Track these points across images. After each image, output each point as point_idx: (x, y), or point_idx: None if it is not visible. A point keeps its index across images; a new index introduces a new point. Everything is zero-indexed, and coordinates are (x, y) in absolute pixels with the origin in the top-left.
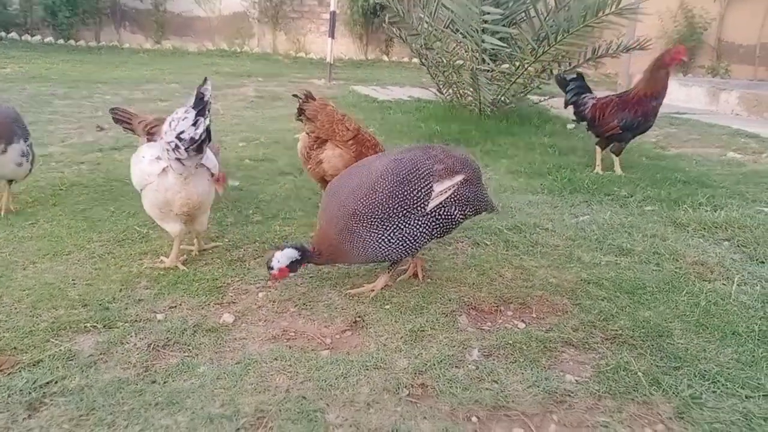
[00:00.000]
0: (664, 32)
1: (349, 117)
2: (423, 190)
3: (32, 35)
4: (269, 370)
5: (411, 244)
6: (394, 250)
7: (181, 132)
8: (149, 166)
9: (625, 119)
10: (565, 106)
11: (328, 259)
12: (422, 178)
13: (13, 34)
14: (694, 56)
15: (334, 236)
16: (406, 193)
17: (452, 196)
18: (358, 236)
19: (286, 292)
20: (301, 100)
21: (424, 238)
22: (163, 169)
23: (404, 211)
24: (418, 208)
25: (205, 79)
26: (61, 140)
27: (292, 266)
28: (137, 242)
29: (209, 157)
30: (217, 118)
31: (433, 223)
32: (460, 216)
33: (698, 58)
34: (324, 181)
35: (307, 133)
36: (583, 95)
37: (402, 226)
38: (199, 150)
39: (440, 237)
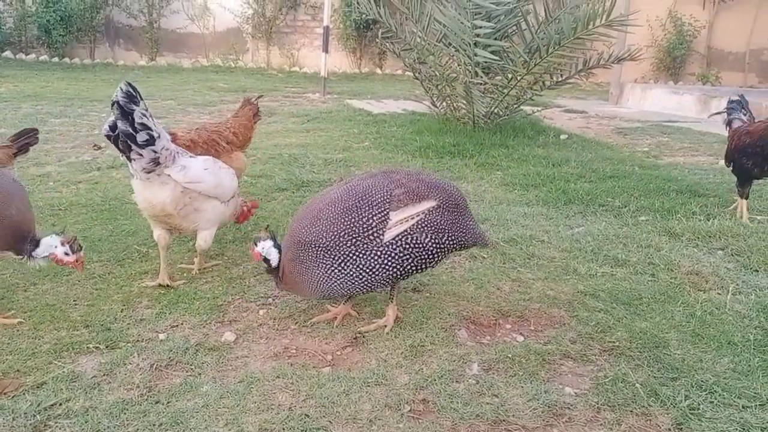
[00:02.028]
0: (654, 40)
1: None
2: (375, 218)
3: (27, 54)
4: (272, 388)
5: (371, 276)
6: (351, 283)
7: None
8: None
9: (728, 147)
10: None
11: (288, 288)
12: (375, 206)
13: (8, 53)
14: (684, 64)
15: (288, 266)
16: (352, 221)
17: (420, 223)
18: (306, 267)
19: (287, 309)
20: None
21: (388, 270)
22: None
23: (352, 240)
24: (371, 238)
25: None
26: (58, 159)
27: (266, 261)
28: (137, 261)
29: (189, 173)
30: None
31: (400, 253)
32: (434, 246)
33: (688, 66)
34: None
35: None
36: (732, 115)
37: (354, 257)
38: (123, 148)
39: (419, 269)
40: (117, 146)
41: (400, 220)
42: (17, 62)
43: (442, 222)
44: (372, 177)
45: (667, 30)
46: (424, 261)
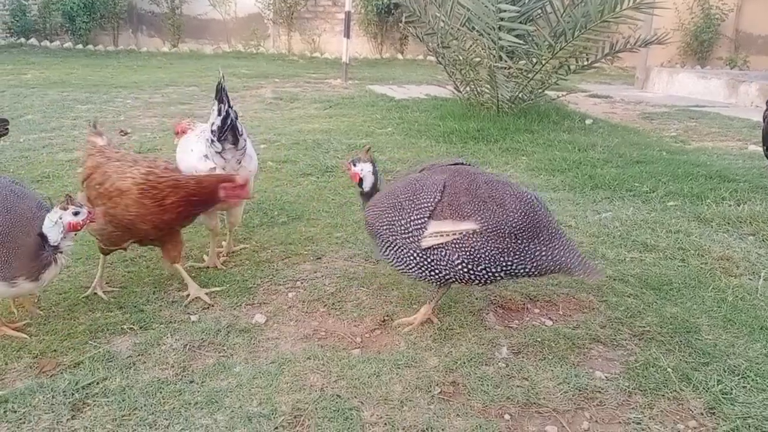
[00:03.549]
0: (681, 24)
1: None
2: (413, 223)
3: (51, 41)
4: (303, 369)
5: (408, 271)
6: (394, 266)
7: (212, 124)
8: (198, 163)
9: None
10: None
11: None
12: (417, 210)
13: (33, 40)
14: (711, 47)
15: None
16: (396, 218)
17: (455, 243)
18: (374, 237)
19: (315, 293)
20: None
21: (423, 273)
22: (210, 168)
23: (393, 236)
24: (409, 240)
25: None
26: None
27: (361, 182)
28: None
29: (252, 161)
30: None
31: (434, 264)
32: (465, 271)
33: (716, 50)
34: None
35: None
36: None
37: (395, 248)
38: (233, 140)
39: (460, 282)
40: (226, 136)
41: (437, 233)
42: (42, 49)
43: (480, 249)
44: (438, 174)
45: (695, 13)
46: (461, 279)
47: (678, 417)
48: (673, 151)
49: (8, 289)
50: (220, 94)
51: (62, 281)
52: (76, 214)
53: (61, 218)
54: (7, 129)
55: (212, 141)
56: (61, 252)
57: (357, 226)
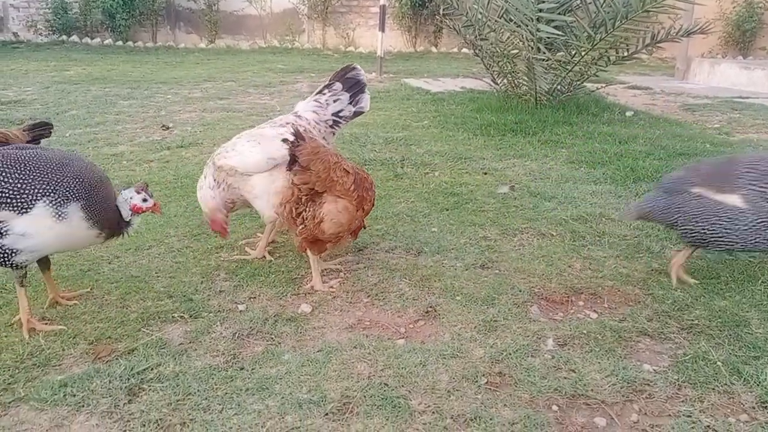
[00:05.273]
0: (722, 13)
1: (340, 155)
2: None
3: (92, 38)
4: (350, 358)
5: None
6: None
7: (339, 111)
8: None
9: None
10: None
11: None
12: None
13: (74, 37)
14: (754, 37)
15: None
16: None
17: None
18: None
19: (359, 283)
20: (290, 145)
21: None
22: None
23: None
24: None
25: (352, 66)
26: (129, 140)
27: None
28: (212, 236)
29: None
30: (275, 115)
31: None
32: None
33: (758, 40)
34: (318, 243)
35: (295, 185)
36: None
37: None
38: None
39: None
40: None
41: None
42: (83, 46)
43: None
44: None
45: (736, 2)
46: None
47: (729, 410)
48: (717, 143)
49: (95, 239)
50: (359, 87)
51: (113, 271)
52: (144, 200)
53: (131, 198)
54: (50, 132)
55: (335, 123)
56: (130, 227)
57: (397, 218)
